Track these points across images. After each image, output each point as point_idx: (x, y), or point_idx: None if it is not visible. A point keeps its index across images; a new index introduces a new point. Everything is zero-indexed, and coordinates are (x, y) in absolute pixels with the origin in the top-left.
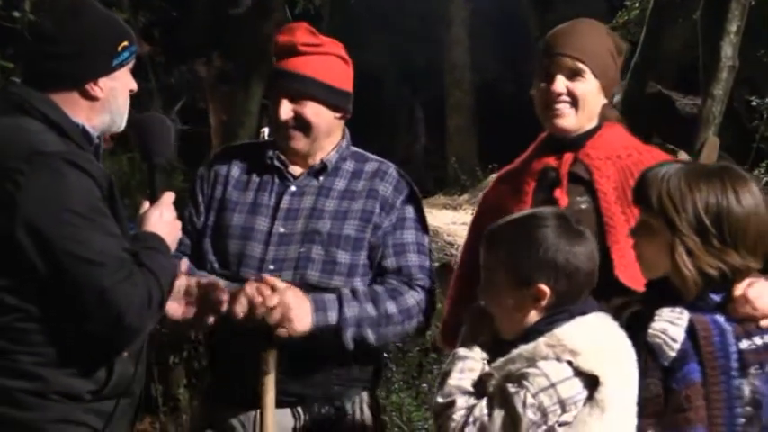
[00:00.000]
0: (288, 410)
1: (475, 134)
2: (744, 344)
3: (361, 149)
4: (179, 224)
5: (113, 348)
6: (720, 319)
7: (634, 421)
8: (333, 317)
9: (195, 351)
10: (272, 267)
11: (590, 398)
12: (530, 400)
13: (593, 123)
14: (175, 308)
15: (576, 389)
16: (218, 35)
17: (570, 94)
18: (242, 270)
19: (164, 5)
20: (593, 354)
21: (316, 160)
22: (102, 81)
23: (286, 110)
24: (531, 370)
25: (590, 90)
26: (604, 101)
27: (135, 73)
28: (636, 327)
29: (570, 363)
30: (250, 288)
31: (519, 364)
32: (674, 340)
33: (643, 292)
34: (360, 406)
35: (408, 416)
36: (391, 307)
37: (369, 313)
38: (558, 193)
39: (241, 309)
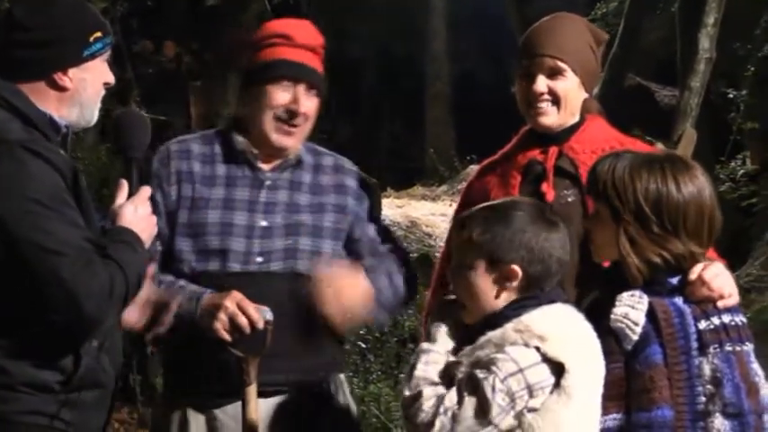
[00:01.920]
0: (277, 398)
1: (453, 125)
2: (702, 324)
3: (343, 138)
4: (154, 219)
5: (76, 339)
6: (679, 301)
7: (599, 409)
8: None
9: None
10: (259, 260)
11: (557, 385)
12: (498, 385)
13: (576, 118)
14: (132, 314)
15: (543, 375)
16: (197, 25)
17: (552, 92)
18: (227, 265)
19: None
20: (559, 341)
21: (290, 155)
22: (72, 71)
23: (305, 102)
24: (499, 355)
25: (571, 87)
26: (586, 95)
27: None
28: (596, 313)
29: (538, 348)
30: (231, 305)
31: (488, 350)
32: (636, 324)
33: (602, 278)
34: (342, 389)
35: (387, 406)
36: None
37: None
38: (544, 186)
39: (222, 326)
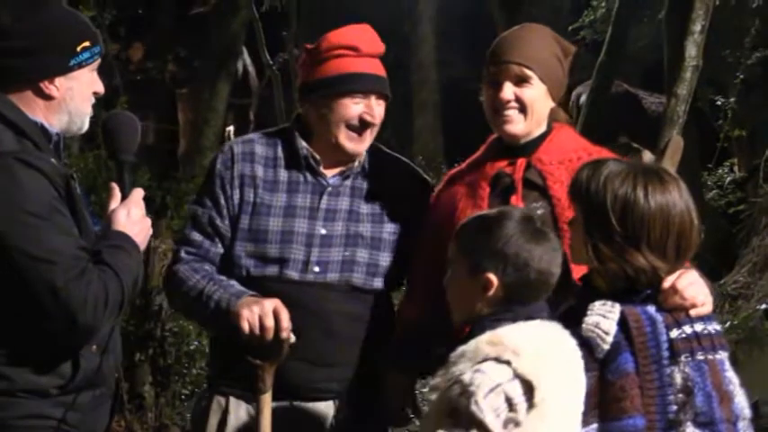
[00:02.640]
0: (329, 403)
1: (441, 132)
2: (674, 333)
3: None
4: (148, 221)
5: (71, 346)
6: (651, 309)
7: (578, 426)
8: None
9: (161, 349)
10: (316, 269)
11: (530, 403)
12: (482, 403)
13: (543, 128)
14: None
15: (517, 390)
16: (185, 33)
17: (518, 100)
18: (285, 273)
19: (130, 3)
20: (530, 358)
21: (354, 161)
22: (59, 80)
23: (379, 112)
24: (476, 375)
25: (538, 95)
26: (552, 104)
27: (100, 70)
28: (571, 322)
29: (509, 363)
30: (268, 306)
31: (461, 366)
32: (607, 333)
33: (577, 287)
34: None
35: None
36: None
37: None
38: (514, 199)
39: (248, 319)
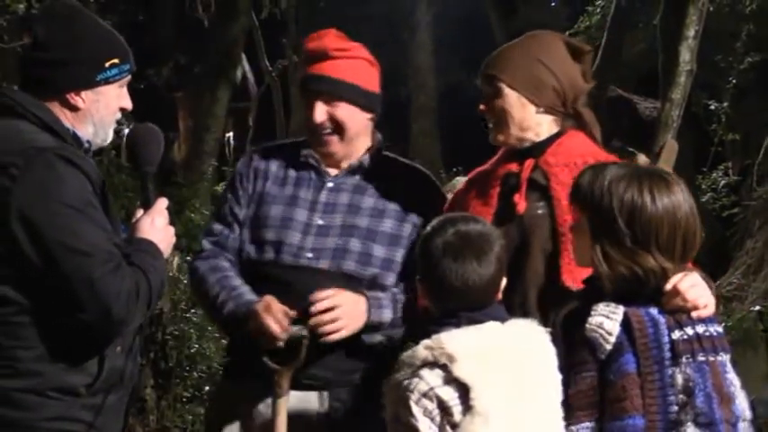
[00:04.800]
0: (314, 393)
1: (438, 137)
2: (676, 334)
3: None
4: (171, 230)
5: (102, 340)
6: (654, 311)
7: (535, 426)
8: (387, 316)
9: (162, 352)
10: (309, 255)
11: (468, 407)
12: (413, 407)
13: (542, 131)
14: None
15: (451, 394)
16: (184, 40)
17: (491, 110)
18: (279, 257)
19: (130, 9)
20: (467, 362)
21: (351, 161)
22: (85, 93)
23: (320, 112)
24: (413, 379)
25: (508, 103)
26: (536, 108)
27: None
28: (574, 322)
29: (445, 367)
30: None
31: (404, 371)
32: (610, 334)
33: (581, 288)
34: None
35: None
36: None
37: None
38: (516, 197)
39: (274, 322)
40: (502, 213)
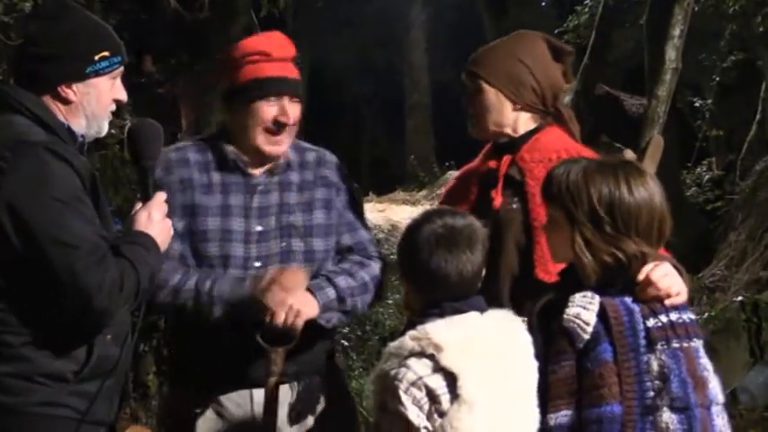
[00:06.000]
0: (285, 387)
1: (432, 133)
2: (650, 322)
3: (327, 145)
4: (169, 222)
5: (88, 329)
6: (628, 300)
7: (509, 418)
8: (332, 293)
9: (164, 340)
10: (257, 264)
11: (455, 395)
12: (403, 396)
13: (519, 126)
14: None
15: (439, 382)
16: (185, 38)
17: (471, 105)
18: (228, 271)
19: (134, 8)
20: (455, 351)
21: (279, 160)
22: (76, 86)
23: (293, 112)
24: (401, 369)
25: (486, 99)
26: (512, 105)
27: None
28: (551, 313)
29: (432, 357)
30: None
31: (391, 361)
32: (587, 323)
33: (557, 280)
34: (339, 376)
35: (368, 401)
36: (365, 276)
37: (351, 284)
38: (493, 192)
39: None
40: (479, 208)
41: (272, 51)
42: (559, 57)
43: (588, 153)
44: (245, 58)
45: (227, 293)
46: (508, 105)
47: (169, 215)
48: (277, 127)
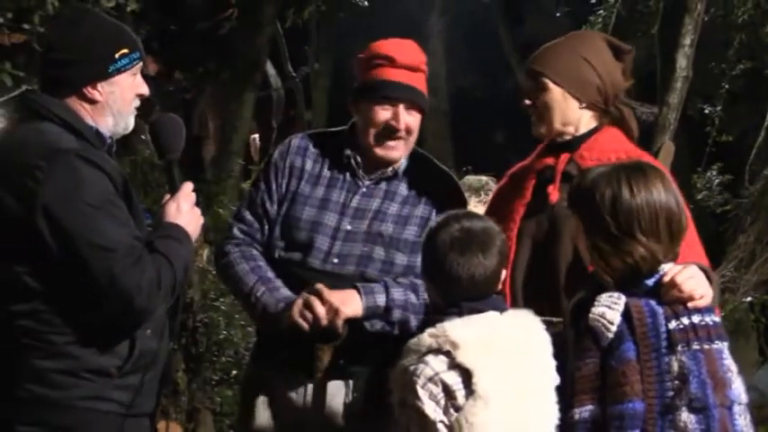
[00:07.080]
0: (340, 383)
1: (450, 138)
2: (672, 324)
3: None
4: (197, 211)
5: (128, 327)
6: (653, 302)
7: (524, 414)
8: (381, 299)
9: (193, 338)
10: (335, 261)
11: (471, 391)
12: (420, 391)
13: (581, 126)
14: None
15: (455, 379)
16: (213, 48)
17: (534, 105)
18: (308, 260)
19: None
20: (470, 348)
21: (390, 168)
22: (100, 85)
23: (404, 118)
24: (419, 365)
25: (551, 98)
26: (578, 104)
27: None
28: (581, 311)
29: (449, 353)
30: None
31: (409, 357)
32: (612, 323)
33: (589, 280)
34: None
35: None
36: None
37: (410, 299)
38: (550, 188)
39: (297, 310)
40: (535, 203)
41: (398, 57)
42: (619, 55)
43: (643, 155)
44: (372, 60)
45: (271, 307)
46: (574, 104)
47: (263, 198)
48: (388, 132)
